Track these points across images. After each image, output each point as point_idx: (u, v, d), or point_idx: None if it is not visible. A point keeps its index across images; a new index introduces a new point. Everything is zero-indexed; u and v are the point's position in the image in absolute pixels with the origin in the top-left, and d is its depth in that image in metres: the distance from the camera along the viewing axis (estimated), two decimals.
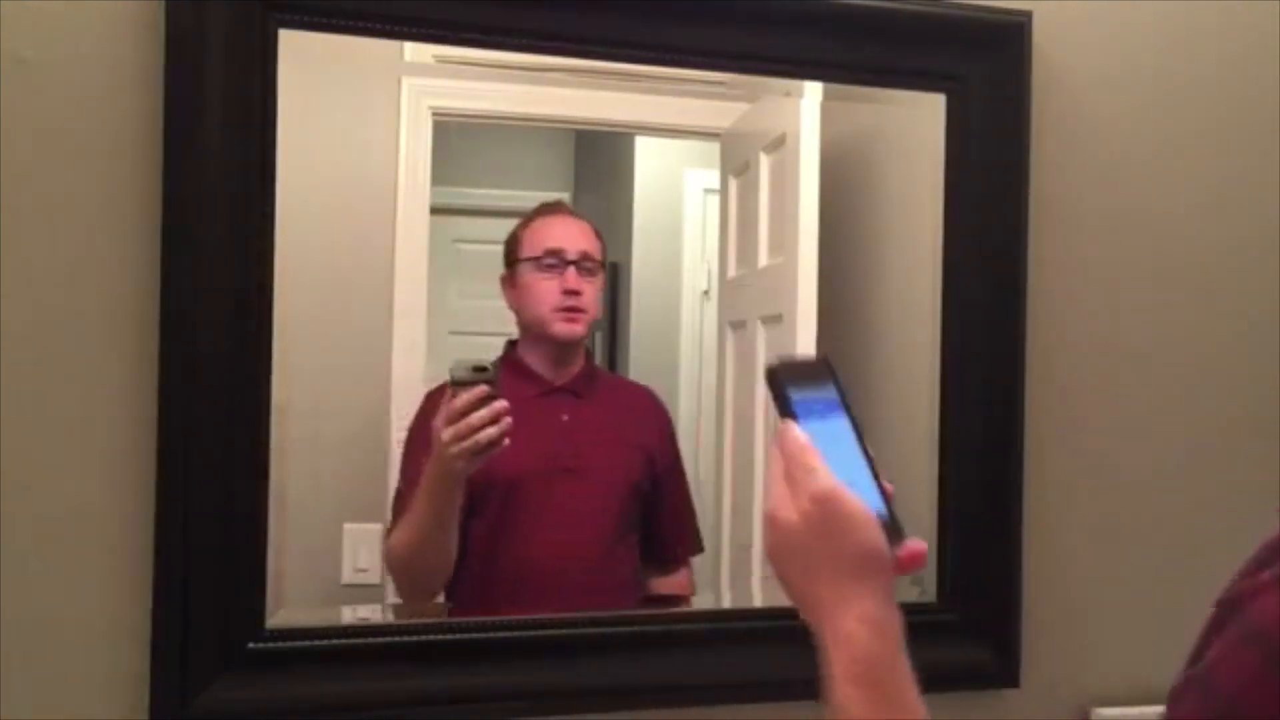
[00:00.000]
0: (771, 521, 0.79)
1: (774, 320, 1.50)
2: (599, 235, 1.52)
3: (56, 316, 1.05)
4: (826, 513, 0.76)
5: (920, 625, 1.30)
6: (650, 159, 1.75)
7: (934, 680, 1.42)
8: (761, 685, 1.21)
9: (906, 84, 1.30)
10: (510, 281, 1.48)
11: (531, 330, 1.47)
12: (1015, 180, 1.31)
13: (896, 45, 1.26)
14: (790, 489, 0.78)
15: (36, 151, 1.04)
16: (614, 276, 1.73)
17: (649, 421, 1.52)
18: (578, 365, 1.49)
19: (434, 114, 1.38)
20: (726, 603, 1.56)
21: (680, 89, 1.38)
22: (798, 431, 0.79)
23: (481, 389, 1.24)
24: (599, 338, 1.73)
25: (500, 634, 1.16)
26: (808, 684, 1.26)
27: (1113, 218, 1.39)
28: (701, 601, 1.53)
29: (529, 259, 1.46)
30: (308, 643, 1.11)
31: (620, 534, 1.43)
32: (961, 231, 1.30)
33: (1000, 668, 1.30)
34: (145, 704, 1.05)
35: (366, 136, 1.38)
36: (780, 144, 1.49)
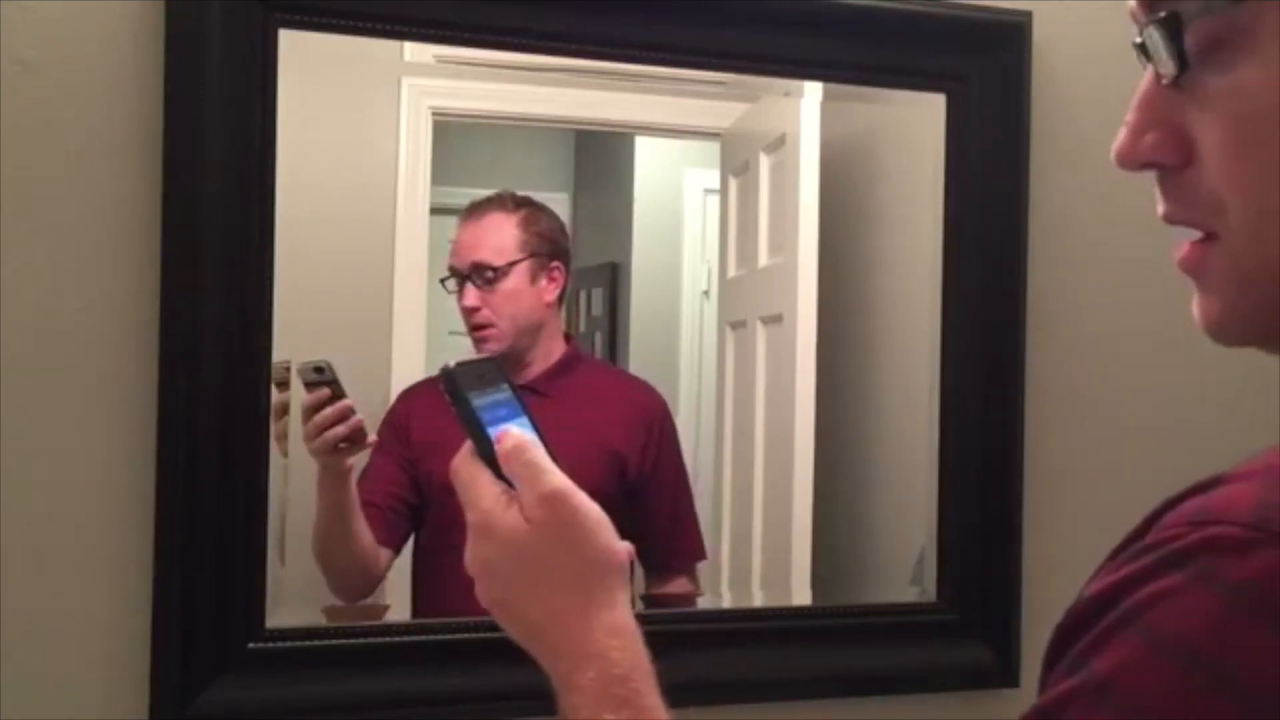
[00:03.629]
0: (485, 529, 0.69)
1: (774, 320, 1.50)
2: (523, 223, 1.43)
3: (57, 316, 1.05)
4: (560, 515, 0.68)
5: (920, 625, 1.32)
6: (650, 159, 1.75)
7: (934, 680, 1.42)
8: (762, 685, 1.21)
9: (906, 84, 1.30)
10: None
11: None
12: (1015, 180, 1.31)
13: (896, 45, 1.26)
14: (506, 491, 0.69)
15: (37, 152, 1.04)
16: (614, 276, 1.73)
17: (628, 423, 1.43)
18: (549, 359, 1.44)
19: (434, 114, 1.38)
20: (726, 603, 1.55)
21: (680, 89, 1.38)
22: (515, 428, 0.71)
23: (324, 392, 1.23)
24: (598, 337, 1.73)
25: (501, 634, 1.16)
26: (807, 684, 1.26)
27: (1113, 217, 1.39)
28: (701, 601, 1.52)
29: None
30: (308, 643, 1.11)
31: None
32: (961, 231, 1.30)
33: (1000, 668, 1.30)
34: (145, 704, 1.05)
35: (366, 136, 1.38)
36: (780, 144, 1.49)
